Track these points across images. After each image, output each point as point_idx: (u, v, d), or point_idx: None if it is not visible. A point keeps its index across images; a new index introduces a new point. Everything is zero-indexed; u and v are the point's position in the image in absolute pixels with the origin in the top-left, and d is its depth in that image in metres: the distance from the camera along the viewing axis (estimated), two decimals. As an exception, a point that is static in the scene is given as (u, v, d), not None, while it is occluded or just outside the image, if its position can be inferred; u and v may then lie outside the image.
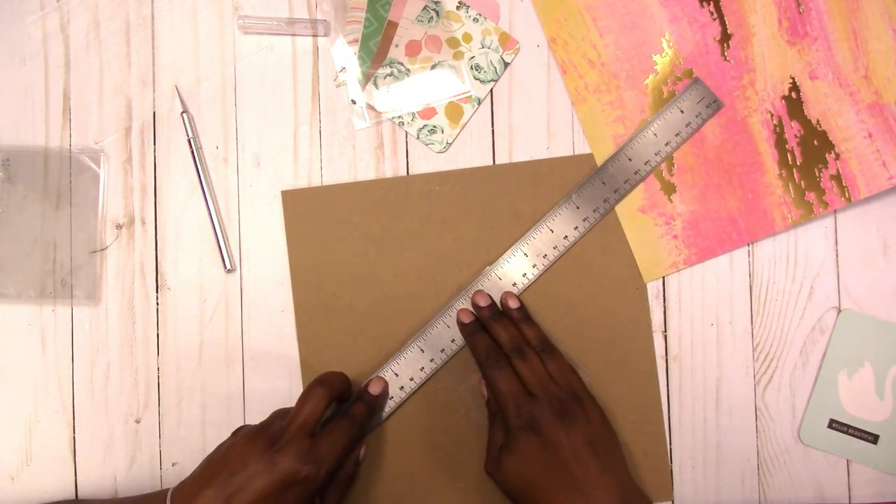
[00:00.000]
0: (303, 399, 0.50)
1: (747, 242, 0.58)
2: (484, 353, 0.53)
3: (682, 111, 0.57)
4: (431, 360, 0.56)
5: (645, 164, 0.57)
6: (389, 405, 0.56)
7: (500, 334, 0.54)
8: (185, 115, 0.56)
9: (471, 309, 0.56)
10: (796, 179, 0.57)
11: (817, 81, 0.58)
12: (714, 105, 0.57)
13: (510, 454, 0.51)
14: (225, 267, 0.56)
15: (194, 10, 0.58)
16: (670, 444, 0.57)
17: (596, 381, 0.57)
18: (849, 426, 0.57)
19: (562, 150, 0.58)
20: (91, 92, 0.57)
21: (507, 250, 0.57)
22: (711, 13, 0.58)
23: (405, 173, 0.58)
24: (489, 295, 0.55)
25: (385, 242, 0.57)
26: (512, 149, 0.58)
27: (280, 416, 0.51)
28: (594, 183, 0.57)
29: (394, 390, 0.56)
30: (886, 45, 0.57)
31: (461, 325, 0.55)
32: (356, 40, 0.58)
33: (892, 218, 0.58)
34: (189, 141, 0.56)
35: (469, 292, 0.56)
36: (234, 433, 0.51)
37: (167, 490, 0.48)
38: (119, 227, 0.57)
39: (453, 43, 0.58)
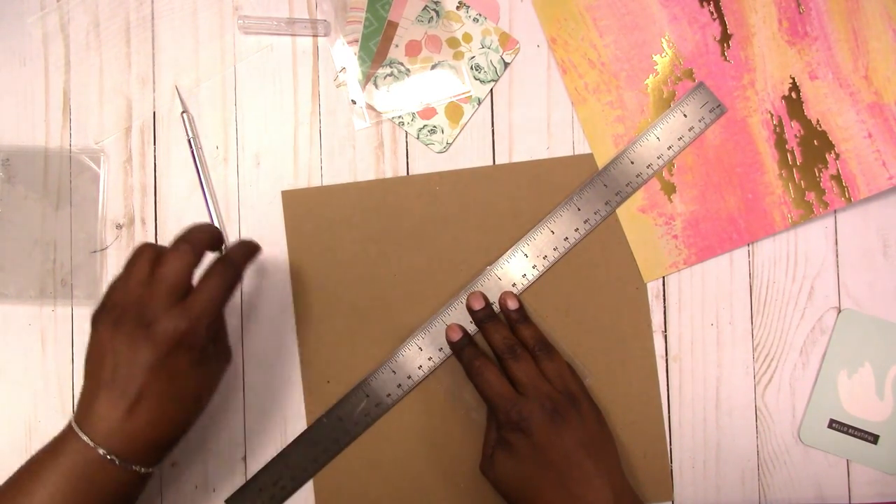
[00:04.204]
0: (167, 260, 0.45)
1: (747, 242, 0.58)
2: (468, 364, 0.53)
3: (685, 115, 0.57)
4: (430, 359, 0.56)
5: (647, 167, 0.57)
6: (387, 403, 0.56)
7: (494, 336, 0.54)
8: (185, 115, 0.56)
9: (461, 322, 0.56)
10: (796, 179, 0.57)
11: (817, 81, 0.58)
12: (717, 110, 0.57)
13: (502, 454, 0.51)
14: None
15: (194, 10, 0.58)
16: (670, 444, 0.57)
17: (596, 381, 0.57)
18: (849, 426, 0.57)
19: (562, 150, 0.58)
20: (91, 92, 0.57)
21: (507, 251, 0.57)
22: (711, 13, 0.58)
23: (405, 173, 0.58)
24: (484, 295, 0.55)
25: (385, 242, 0.57)
26: (512, 149, 0.58)
27: (137, 284, 0.45)
28: (596, 185, 0.57)
29: (391, 388, 0.56)
30: (886, 45, 0.57)
31: (449, 342, 0.55)
32: (356, 40, 0.58)
33: (892, 218, 0.58)
34: (189, 141, 0.56)
35: (469, 291, 0.56)
36: (93, 324, 0.45)
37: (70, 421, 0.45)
38: (119, 227, 0.57)
39: (453, 43, 0.58)
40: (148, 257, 0.45)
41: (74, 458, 0.43)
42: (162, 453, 0.46)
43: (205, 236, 0.47)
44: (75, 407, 0.46)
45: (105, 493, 0.44)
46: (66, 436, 0.44)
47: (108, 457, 0.43)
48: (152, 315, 0.43)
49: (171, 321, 0.43)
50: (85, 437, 0.43)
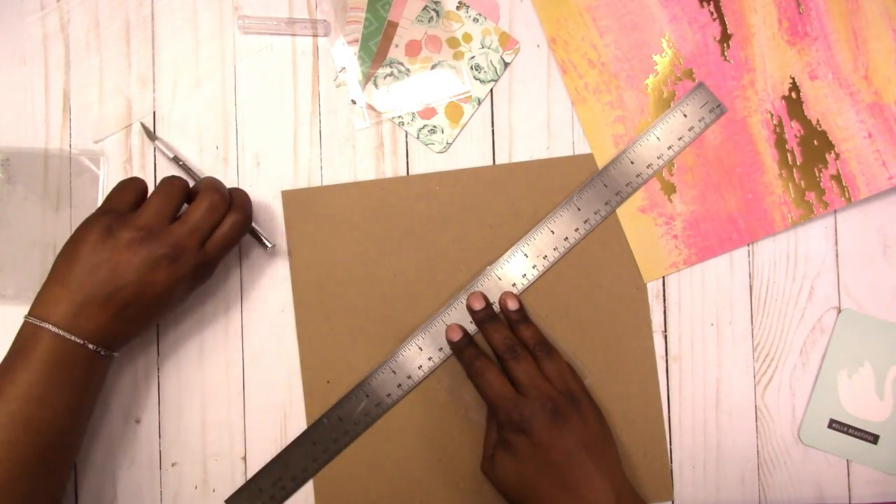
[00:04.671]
0: (205, 207, 0.49)
1: (747, 242, 0.58)
2: (469, 364, 0.53)
3: (685, 115, 0.57)
4: (430, 359, 0.56)
5: (647, 167, 0.57)
6: (387, 403, 0.56)
7: (494, 336, 0.54)
8: (157, 142, 0.56)
9: (461, 324, 0.56)
10: (796, 179, 0.57)
11: (817, 81, 0.58)
12: (717, 110, 0.57)
13: (504, 455, 0.51)
14: (266, 247, 0.56)
15: (194, 10, 0.58)
16: (670, 444, 0.57)
17: (596, 381, 0.57)
18: (849, 426, 0.57)
19: (562, 150, 0.58)
20: (91, 92, 0.57)
21: (507, 251, 0.57)
22: (711, 13, 0.58)
23: (405, 173, 0.58)
24: (484, 296, 0.55)
25: (385, 242, 0.57)
26: (512, 149, 0.58)
27: (169, 213, 0.49)
28: (596, 185, 0.57)
29: (391, 388, 0.56)
30: (886, 45, 0.57)
31: (450, 342, 0.55)
32: (356, 40, 0.58)
33: (892, 218, 0.58)
34: (175, 159, 0.56)
35: (469, 291, 0.56)
36: (111, 231, 0.48)
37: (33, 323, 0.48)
38: (119, 227, 0.57)
39: (453, 43, 0.58)
40: (180, 191, 0.50)
41: (46, 349, 0.47)
42: (129, 342, 0.52)
43: (225, 191, 0.51)
44: (33, 305, 0.48)
45: (76, 380, 0.48)
46: (33, 335, 0.47)
47: (82, 342, 0.47)
48: (180, 252, 0.48)
49: (194, 259, 0.49)
50: (64, 333, 0.47)
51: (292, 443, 0.56)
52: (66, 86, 0.57)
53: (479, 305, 0.55)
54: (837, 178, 0.57)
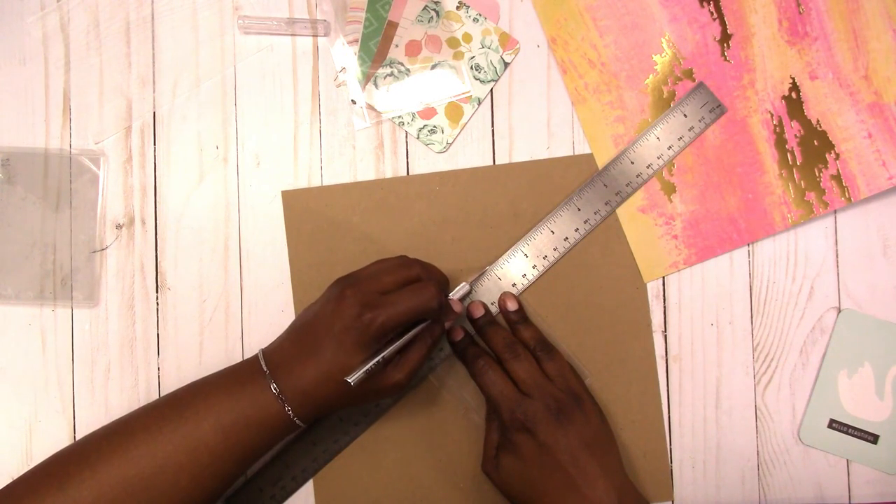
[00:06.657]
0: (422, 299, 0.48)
1: (747, 242, 0.58)
2: (472, 363, 0.53)
3: (685, 115, 0.57)
4: (430, 359, 0.56)
5: (647, 167, 0.57)
6: (387, 403, 0.56)
7: (495, 338, 0.54)
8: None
9: (464, 324, 0.55)
10: (796, 179, 0.57)
11: (817, 81, 0.58)
12: (717, 110, 0.57)
13: (506, 454, 0.51)
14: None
15: (194, 10, 0.58)
16: (670, 444, 0.57)
17: (596, 381, 0.57)
18: (849, 426, 0.57)
19: (562, 150, 0.58)
20: (91, 92, 0.57)
21: (507, 251, 0.57)
22: (711, 13, 0.58)
23: (405, 173, 0.58)
24: (483, 304, 0.55)
25: (385, 242, 0.57)
26: (512, 149, 0.58)
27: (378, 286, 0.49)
28: (596, 185, 0.57)
29: (394, 390, 0.56)
30: (886, 45, 0.57)
31: (452, 342, 0.55)
32: (356, 40, 0.58)
33: (892, 218, 0.58)
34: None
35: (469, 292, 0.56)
36: (335, 290, 0.49)
37: (256, 354, 0.49)
38: (119, 227, 0.57)
39: (453, 43, 0.58)
40: (412, 277, 0.49)
41: (257, 402, 0.47)
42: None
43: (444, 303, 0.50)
44: (270, 353, 0.49)
45: (268, 438, 0.48)
46: (256, 381, 0.47)
47: (290, 414, 0.47)
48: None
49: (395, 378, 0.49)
50: (291, 414, 0.47)
51: (292, 442, 0.56)
52: (66, 86, 0.57)
53: (479, 313, 0.55)
54: (837, 178, 0.57)
